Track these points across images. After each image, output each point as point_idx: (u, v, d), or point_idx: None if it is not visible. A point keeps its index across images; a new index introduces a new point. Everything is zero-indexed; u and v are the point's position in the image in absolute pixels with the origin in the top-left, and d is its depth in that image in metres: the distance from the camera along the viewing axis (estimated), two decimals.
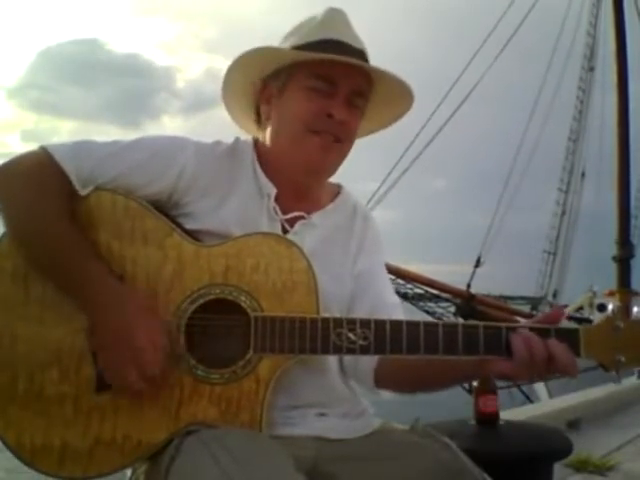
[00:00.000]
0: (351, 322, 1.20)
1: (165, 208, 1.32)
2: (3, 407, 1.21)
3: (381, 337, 1.19)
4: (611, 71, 15.84)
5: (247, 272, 1.24)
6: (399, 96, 1.42)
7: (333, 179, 1.51)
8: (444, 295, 10.40)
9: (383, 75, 1.36)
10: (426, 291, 10.24)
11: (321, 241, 1.39)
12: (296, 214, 1.38)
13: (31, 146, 1.30)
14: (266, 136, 1.42)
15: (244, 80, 1.42)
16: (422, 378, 1.35)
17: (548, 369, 1.16)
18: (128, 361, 1.16)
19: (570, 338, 1.18)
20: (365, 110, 1.43)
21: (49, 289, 1.24)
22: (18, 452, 1.21)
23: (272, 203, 1.36)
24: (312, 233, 1.39)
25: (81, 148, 1.31)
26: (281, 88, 1.38)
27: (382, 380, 1.38)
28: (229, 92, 1.45)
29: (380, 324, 1.20)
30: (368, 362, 1.36)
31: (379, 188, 12.64)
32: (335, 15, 1.41)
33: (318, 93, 1.34)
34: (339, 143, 1.37)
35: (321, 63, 1.32)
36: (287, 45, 1.38)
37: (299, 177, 1.39)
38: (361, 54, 1.37)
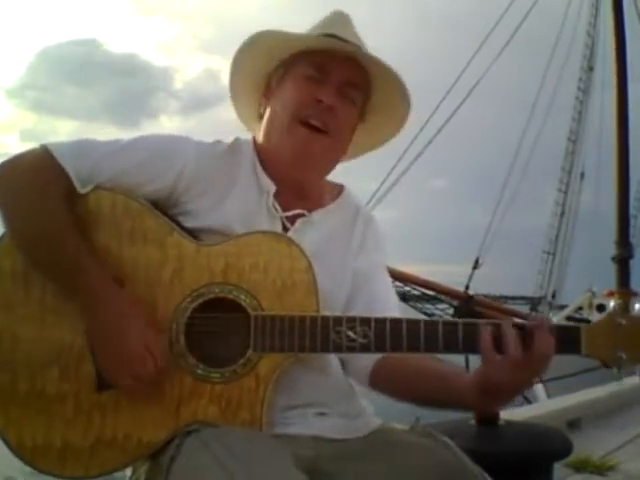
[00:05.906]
0: (351, 320, 1.20)
1: (165, 206, 1.31)
2: (4, 406, 1.21)
3: (381, 335, 1.19)
4: (610, 71, 15.88)
5: (247, 271, 1.24)
6: (396, 100, 1.41)
7: (334, 179, 1.51)
8: (442, 297, 10.41)
9: (378, 67, 1.35)
10: (424, 293, 10.24)
11: (321, 239, 1.38)
12: (296, 212, 1.37)
13: (30, 146, 1.30)
14: (260, 132, 1.41)
15: (251, 75, 1.43)
16: (417, 390, 1.31)
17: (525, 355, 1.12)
18: (122, 367, 1.18)
19: (571, 336, 1.18)
20: (361, 107, 1.41)
21: (49, 288, 1.23)
22: (19, 451, 1.21)
23: (271, 200, 1.36)
24: (312, 231, 1.38)
25: (81, 146, 1.30)
26: (279, 80, 1.40)
27: (377, 383, 1.37)
28: (236, 89, 1.46)
29: (380, 322, 1.20)
30: (364, 363, 1.35)
31: (379, 188, 12.67)
32: (336, 16, 1.43)
33: (309, 81, 1.34)
34: (325, 134, 1.34)
35: (317, 53, 1.34)
36: None
37: (286, 170, 1.37)
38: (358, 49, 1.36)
